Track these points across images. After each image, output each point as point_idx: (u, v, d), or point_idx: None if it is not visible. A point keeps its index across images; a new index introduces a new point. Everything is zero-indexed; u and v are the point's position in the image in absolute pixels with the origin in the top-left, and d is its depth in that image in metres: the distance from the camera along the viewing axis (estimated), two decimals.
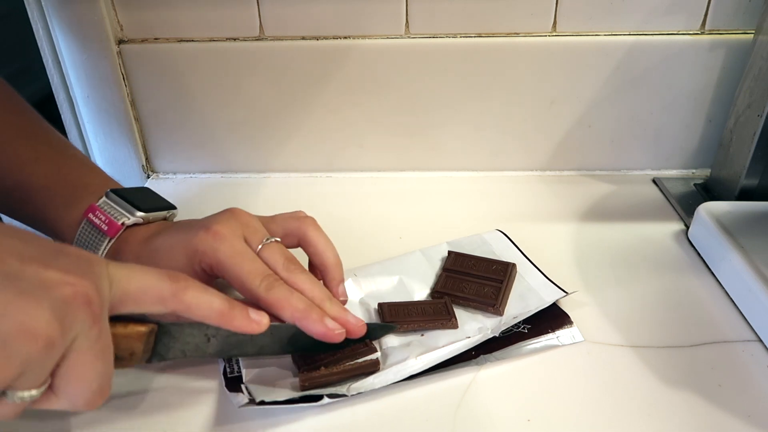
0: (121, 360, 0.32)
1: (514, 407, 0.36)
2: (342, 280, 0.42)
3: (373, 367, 0.37)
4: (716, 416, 0.35)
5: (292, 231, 0.42)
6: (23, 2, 0.55)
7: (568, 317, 0.42)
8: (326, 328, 0.36)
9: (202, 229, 0.38)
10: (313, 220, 0.43)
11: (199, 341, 0.36)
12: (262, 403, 0.35)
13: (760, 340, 0.41)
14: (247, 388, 0.36)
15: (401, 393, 0.37)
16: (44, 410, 0.36)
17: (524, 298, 0.44)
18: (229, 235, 0.38)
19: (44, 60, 0.58)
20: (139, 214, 0.41)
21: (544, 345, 0.40)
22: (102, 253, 0.40)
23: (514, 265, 0.46)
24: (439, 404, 0.36)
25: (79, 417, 0.36)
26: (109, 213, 0.41)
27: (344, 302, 0.42)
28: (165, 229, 0.41)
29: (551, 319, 0.42)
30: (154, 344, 0.34)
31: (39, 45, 0.57)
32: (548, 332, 0.41)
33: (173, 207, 0.45)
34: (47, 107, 0.60)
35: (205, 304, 0.33)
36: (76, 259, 0.28)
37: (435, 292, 0.44)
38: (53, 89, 0.59)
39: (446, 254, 0.48)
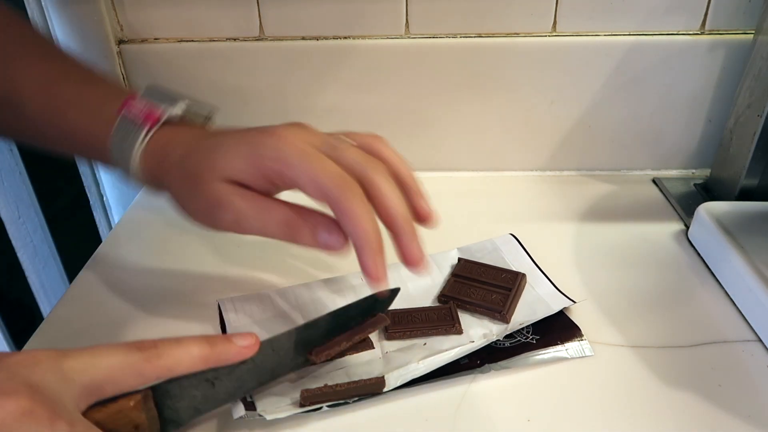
0: None
1: (514, 407, 0.36)
2: (415, 239, 0.35)
3: (378, 388, 0.36)
4: (716, 416, 0.35)
5: (363, 144, 0.35)
6: (23, 2, 0.55)
7: (579, 330, 0.41)
8: (373, 272, 0.32)
9: (265, 133, 0.34)
10: (384, 141, 0.37)
11: (205, 390, 0.33)
12: (261, 416, 0.34)
13: (760, 340, 0.41)
14: (250, 395, 0.36)
15: (401, 393, 0.37)
16: None
17: (532, 308, 0.43)
18: (296, 138, 0.33)
19: None
20: (180, 104, 0.37)
21: (552, 357, 0.39)
22: (138, 149, 0.36)
23: (524, 275, 0.45)
24: (439, 404, 0.36)
25: None
26: (147, 104, 0.37)
27: (429, 218, 0.37)
28: (217, 132, 0.37)
29: (560, 330, 0.41)
30: (160, 412, 0.32)
31: None
32: (557, 344, 0.40)
33: (213, 108, 0.41)
34: None
35: (184, 357, 0.31)
36: (7, 372, 0.26)
37: (441, 296, 0.44)
38: None
39: (456, 261, 0.47)
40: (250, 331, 0.34)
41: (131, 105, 0.37)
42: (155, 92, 0.38)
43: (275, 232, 0.34)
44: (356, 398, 0.36)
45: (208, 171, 0.34)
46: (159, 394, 0.32)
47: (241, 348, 0.32)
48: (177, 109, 0.37)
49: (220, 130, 0.37)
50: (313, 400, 0.35)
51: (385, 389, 0.36)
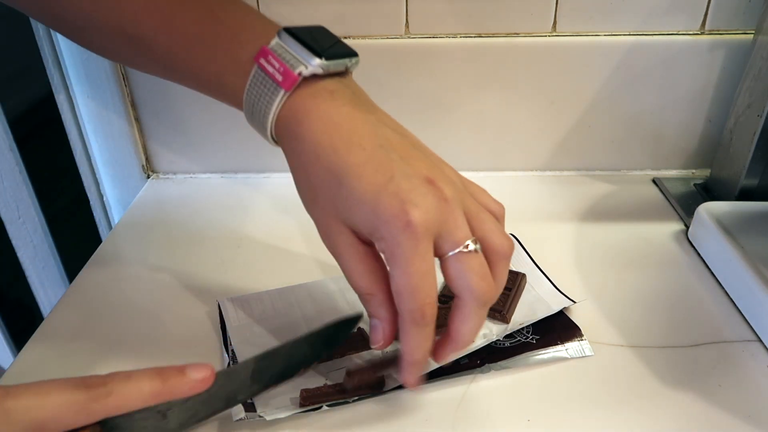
0: None
1: (514, 407, 0.36)
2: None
3: (378, 388, 0.37)
4: (716, 416, 0.35)
5: (485, 243, 0.32)
6: None
7: (579, 330, 0.41)
8: (411, 384, 0.33)
9: (397, 203, 0.30)
10: (510, 250, 0.33)
11: (156, 421, 0.32)
12: (261, 417, 0.34)
13: (760, 340, 0.41)
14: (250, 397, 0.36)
15: (401, 393, 0.37)
16: None
17: (532, 308, 0.43)
18: (422, 232, 0.29)
19: (44, 60, 0.58)
20: (318, 62, 0.32)
21: (552, 357, 0.39)
22: (275, 110, 0.33)
23: (523, 275, 0.45)
24: (439, 404, 0.36)
25: None
26: (283, 58, 0.33)
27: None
28: (365, 141, 0.32)
29: (561, 330, 0.41)
30: None
31: (39, 45, 0.57)
32: (557, 344, 0.40)
33: (355, 53, 0.36)
34: (47, 107, 0.61)
35: (133, 395, 0.29)
36: None
37: (441, 296, 0.44)
38: (53, 89, 0.59)
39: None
40: (207, 363, 0.32)
41: (267, 57, 0.33)
42: (292, 38, 0.34)
43: (352, 287, 0.33)
44: (356, 398, 0.36)
45: (328, 201, 0.32)
46: (107, 428, 0.30)
47: (195, 382, 0.31)
48: (315, 68, 0.33)
49: (364, 126, 0.33)
50: (312, 400, 0.35)
51: (384, 389, 0.36)
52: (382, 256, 0.32)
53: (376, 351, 0.40)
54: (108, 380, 0.29)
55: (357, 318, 0.38)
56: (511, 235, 0.50)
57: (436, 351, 0.33)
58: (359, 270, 0.32)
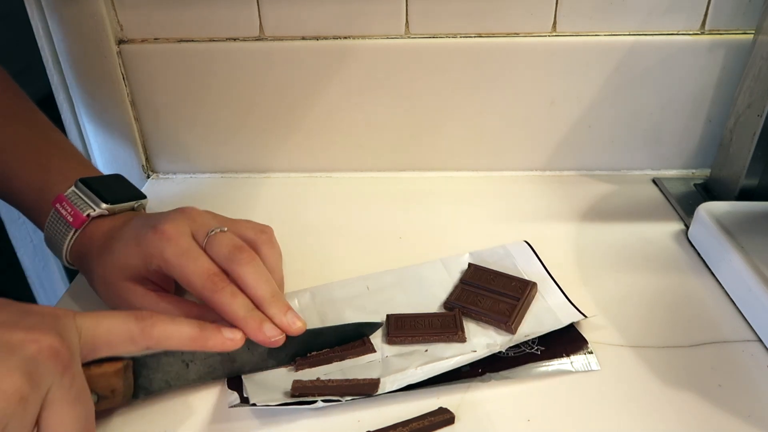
0: (104, 399, 0.34)
1: (514, 407, 0.36)
2: (284, 312, 0.38)
3: (371, 389, 0.36)
4: (716, 416, 0.35)
5: (247, 241, 0.40)
6: (23, 2, 0.55)
7: (586, 342, 0.40)
8: (264, 336, 0.36)
9: (151, 229, 0.38)
10: (269, 237, 0.42)
11: (179, 368, 0.37)
12: (255, 405, 0.35)
13: (760, 340, 0.41)
14: (244, 386, 0.36)
15: (400, 397, 0.37)
16: None
17: (540, 319, 0.42)
18: (175, 233, 0.38)
19: (44, 60, 0.58)
20: (104, 206, 0.42)
21: (556, 369, 0.38)
22: (68, 244, 0.42)
23: (534, 284, 0.44)
24: (439, 404, 0.36)
25: None
26: (75, 204, 0.42)
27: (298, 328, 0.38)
28: (124, 225, 0.41)
29: (567, 342, 0.40)
30: (136, 379, 0.35)
31: (39, 45, 0.57)
32: (562, 356, 0.39)
33: (143, 196, 0.45)
34: (47, 107, 0.61)
35: (174, 334, 0.34)
36: (41, 317, 0.30)
37: (447, 303, 0.43)
38: (53, 89, 0.59)
39: (466, 266, 0.46)
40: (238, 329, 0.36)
41: (62, 202, 0.42)
42: (86, 186, 0.42)
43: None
44: (349, 398, 0.36)
45: (113, 275, 0.40)
46: (138, 364, 0.35)
47: (226, 339, 0.35)
48: (102, 210, 0.42)
49: (127, 223, 0.41)
50: (303, 392, 0.36)
51: (378, 392, 0.36)
52: (167, 273, 0.38)
53: (375, 357, 0.39)
54: (155, 317, 0.33)
55: (377, 325, 0.41)
56: (525, 242, 0.49)
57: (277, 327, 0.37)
58: (167, 308, 0.39)
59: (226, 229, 0.40)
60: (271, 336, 0.36)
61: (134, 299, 0.39)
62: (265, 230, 0.43)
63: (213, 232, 0.39)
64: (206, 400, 0.37)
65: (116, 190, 0.44)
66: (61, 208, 0.42)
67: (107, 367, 0.33)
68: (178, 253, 0.37)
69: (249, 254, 0.38)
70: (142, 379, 0.35)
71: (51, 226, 0.43)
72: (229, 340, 0.35)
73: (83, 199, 0.42)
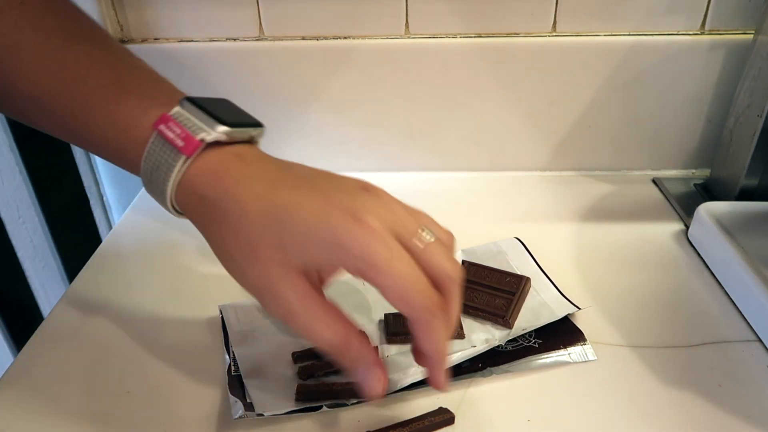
0: None
1: (514, 407, 0.36)
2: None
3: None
4: (716, 416, 0.35)
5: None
6: None
7: (582, 334, 0.41)
8: (442, 387, 0.32)
9: (350, 217, 0.29)
10: (455, 241, 0.34)
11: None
12: (261, 415, 0.35)
13: (760, 340, 0.41)
14: (247, 392, 0.36)
15: (401, 394, 0.37)
16: (41, 412, 0.36)
17: (536, 313, 0.42)
18: (382, 230, 0.29)
19: None
20: (221, 129, 0.32)
21: (554, 361, 0.39)
22: (174, 179, 0.31)
23: (528, 279, 0.45)
24: (439, 404, 0.36)
25: (79, 417, 0.36)
26: (184, 125, 0.31)
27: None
28: (279, 179, 0.31)
29: (563, 334, 0.41)
30: None
31: None
32: (560, 348, 0.40)
33: (260, 124, 0.35)
34: None
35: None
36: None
37: None
38: None
39: (460, 263, 0.47)
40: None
41: (168, 123, 0.32)
42: (194, 106, 0.33)
43: (319, 344, 0.30)
44: (354, 401, 0.36)
45: (272, 249, 0.29)
46: None
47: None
48: (219, 134, 0.31)
49: (281, 172, 0.32)
50: (308, 396, 0.36)
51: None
52: (364, 276, 0.29)
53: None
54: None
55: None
56: (516, 238, 0.50)
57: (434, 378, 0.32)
58: (325, 319, 0.30)
59: (433, 238, 0.31)
60: (444, 385, 0.31)
61: (292, 299, 0.30)
62: (451, 236, 0.34)
63: (425, 239, 0.30)
64: (207, 400, 0.37)
65: (230, 112, 0.34)
66: (167, 130, 0.31)
67: None
68: (391, 259, 0.28)
69: (460, 277, 0.31)
70: None
71: (153, 157, 0.32)
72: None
73: (193, 120, 0.32)
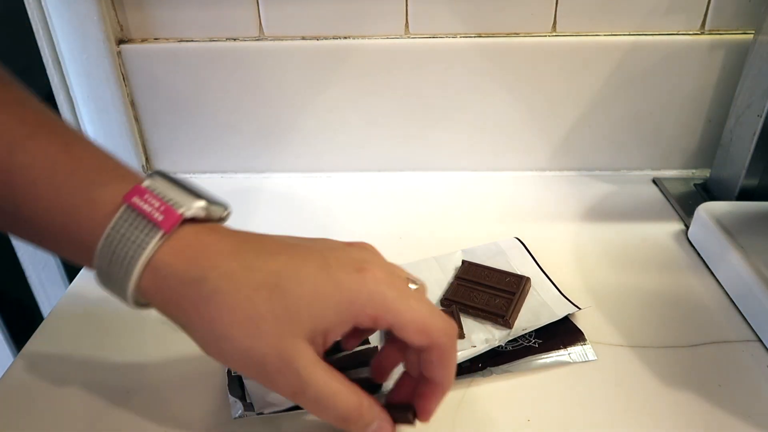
0: None
1: (514, 407, 0.36)
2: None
3: (375, 390, 0.36)
4: (716, 416, 0.35)
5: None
6: (23, 2, 0.55)
7: (582, 334, 0.41)
8: (429, 418, 0.32)
9: (351, 269, 0.29)
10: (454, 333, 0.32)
11: None
12: (261, 413, 0.35)
13: (760, 340, 0.41)
14: (246, 391, 0.36)
15: None
16: (41, 412, 0.36)
17: (536, 313, 0.42)
18: (388, 276, 0.29)
19: (44, 60, 0.58)
20: (200, 203, 0.29)
21: (554, 361, 0.39)
22: (148, 254, 0.28)
23: (528, 279, 0.45)
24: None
25: (78, 416, 0.36)
26: (163, 197, 0.28)
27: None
28: (276, 249, 0.30)
29: (563, 334, 0.41)
30: None
31: (39, 45, 0.57)
32: (560, 348, 0.40)
33: (227, 205, 0.32)
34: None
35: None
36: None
37: (444, 300, 0.44)
38: (53, 89, 0.59)
39: (460, 263, 0.47)
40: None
41: (143, 195, 0.28)
42: (165, 179, 0.30)
43: (333, 415, 0.29)
44: None
45: (277, 320, 0.27)
46: None
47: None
48: (197, 210, 0.29)
49: (264, 241, 0.30)
50: None
51: (381, 390, 0.36)
52: (377, 323, 0.29)
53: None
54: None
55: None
56: (516, 238, 0.50)
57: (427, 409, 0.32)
58: (339, 388, 0.29)
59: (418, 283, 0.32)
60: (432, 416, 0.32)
61: (302, 367, 0.28)
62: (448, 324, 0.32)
63: (415, 282, 0.32)
64: (207, 399, 0.37)
65: (200, 189, 0.30)
66: (142, 203, 0.28)
67: None
68: (405, 298, 0.29)
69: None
70: None
71: (115, 235, 0.28)
72: None
73: (170, 194, 0.29)
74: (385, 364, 0.34)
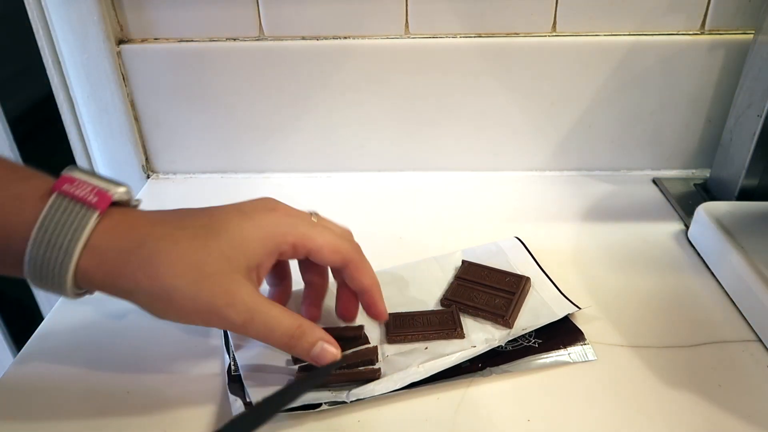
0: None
1: (514, 407, 0.36)
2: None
3: (373, 374, 0.37)
4: (716, 416, 0.35)
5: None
6: (23, 2, 0.55)
7: (582, 334, 0.41)
8: (385, 316, 0.39)
9: (266, 211, 0.35)
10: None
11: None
12: None
13: (760, 340, 0.41)
14: (246, 390, 0.36)
15: (401, 393, 0.37)
16: (41, 412, 0.36)
17: (536, 313, 0.42)
18: (295, 211, 0.36)
19: (44, 60, 0.58)
20: (122, 188, 0.32)
21: (554, 361, 0.39)
22: (87, 235, 0.30)
23: (528, 279, 0.44)
24: (438, 405, 0.36)
25: (78, 416, 0.36)
26: (91, 183, 0.31)
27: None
28: (196, 213, 0.34)
29: (563, 334, 0.41)
30: None
31: (39, 45, 0.57)
32: (560, 348, 0.40)
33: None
34: (47, 107, 0.61)
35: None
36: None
37: (444, 300, 0.43)
38: (53, 89, 0.59)
39: (460, 263, 0.47)
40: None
41: (73, 183, 0.30)
42: (83, 172, 0.32)
43: (278, 336, 0.33)
44: (354, 399, 0.36)
45: (217, 261, 0.31)
46: None
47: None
48: (122, 193, 0.32)
49: (182, 211, 0.34)
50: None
51: (381, 389, 0.36)
52: (297, 251, 0.35)
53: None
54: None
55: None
56: (516, 238, 0.50)
57: (376, 311, 0.38)
58: (281, 311, 0.33)
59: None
60: (385, 312, 0.38)
61: (246, 297, 0.32)
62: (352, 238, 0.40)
63: (315, 217, 0.37)
64: (207, 400, 0.37)
65: (114, 179, 0.33)
66: (75, 189, 0.30)
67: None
68: (314, 226, 0.35)
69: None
70: None
71: (48, 225, 0.29)
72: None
73: (95, 181, 0.31)
74: (347, 305, 0.39)
